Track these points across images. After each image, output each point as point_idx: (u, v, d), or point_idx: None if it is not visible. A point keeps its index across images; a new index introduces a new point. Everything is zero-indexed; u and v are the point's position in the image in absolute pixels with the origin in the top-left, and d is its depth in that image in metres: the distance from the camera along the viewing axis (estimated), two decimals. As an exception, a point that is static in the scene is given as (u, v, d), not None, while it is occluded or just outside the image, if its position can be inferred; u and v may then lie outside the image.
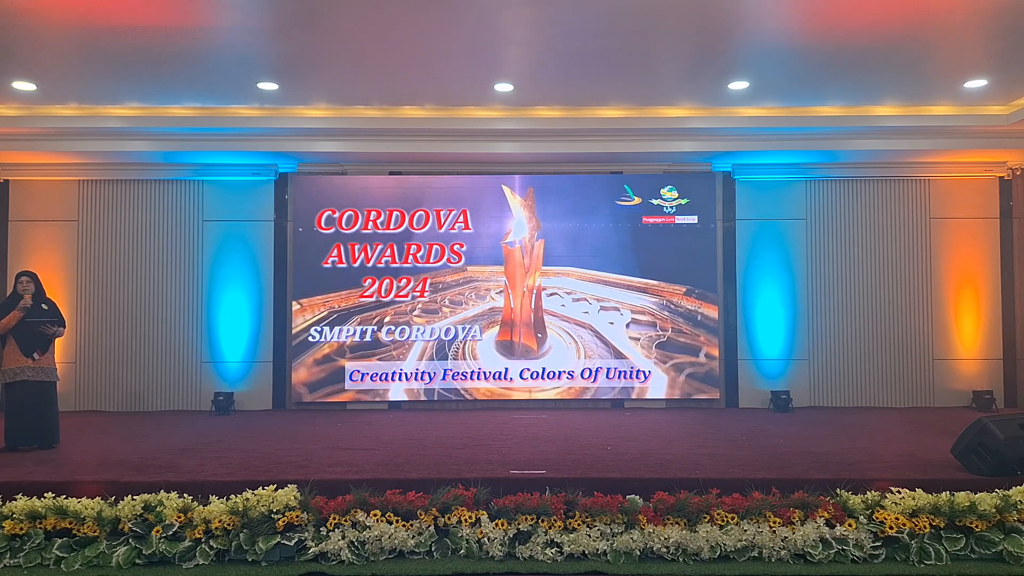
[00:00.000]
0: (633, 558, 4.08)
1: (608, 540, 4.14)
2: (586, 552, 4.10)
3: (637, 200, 8.75)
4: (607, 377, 8.68)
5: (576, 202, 8.78)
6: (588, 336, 8.72)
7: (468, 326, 8.71)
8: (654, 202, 8.78)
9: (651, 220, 8.78)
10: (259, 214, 8.85)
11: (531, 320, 8.72)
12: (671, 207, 8.76)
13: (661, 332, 8.69)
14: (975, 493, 4.32)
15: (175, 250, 8.82)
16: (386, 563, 4.07)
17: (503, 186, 8.78)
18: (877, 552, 4.11)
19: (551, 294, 8.73)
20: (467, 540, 4.16)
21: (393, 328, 8.70)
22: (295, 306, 8.69)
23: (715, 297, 8.77)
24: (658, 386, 8.68)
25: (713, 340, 8.74)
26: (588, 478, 4.73)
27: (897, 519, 4.16)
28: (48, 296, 6.45)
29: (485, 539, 4.15)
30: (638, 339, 8.70)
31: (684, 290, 8.74)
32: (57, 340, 6.38)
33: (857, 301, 8.88)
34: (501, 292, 8.72)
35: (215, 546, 4.09)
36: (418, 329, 8.70)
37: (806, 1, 5.49)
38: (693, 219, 8.78)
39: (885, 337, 8.84)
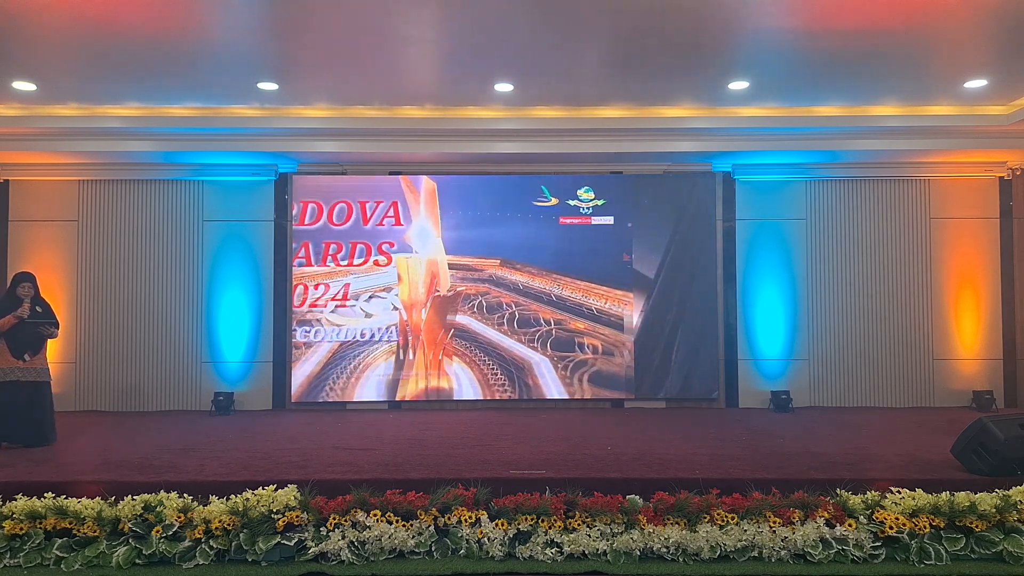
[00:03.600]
0: (633, 558, 4.08)
1: (608, 540, 4.13)
2: (586, 552, 4.10)
3: (554, 201, 8.76)
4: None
5: (492, 203, 8.80)
6: (494, 353, 8.71)
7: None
8: (571, 203, 8.79)
9: (568, 221, 8.79)
10: (259, 214, 8.85)
11: (436, 341, 8.69)
12: (587, 208, 8.77)
13: (576, 334, 8.73)
14: (975, 493, 4.32)
15: (175, 250, 8.82)
16: (386, 563, 4.06)
17: (405, 187, 8.75)
18: (877, 552, 4.11)
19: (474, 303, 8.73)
20: (467, 540, 4.16)
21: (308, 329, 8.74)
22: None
23: (629, 298, 8.75)
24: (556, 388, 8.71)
25: (627, 340, 8.74)
26: (588, 478, 4.73)
27: (897, 519, 4.16)
28: (42, 296, 6.48)
29: (485, 539, 4.14)
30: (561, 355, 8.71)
31: (602, 290, 8.76)
32: (49, 340, 6.42)
33: (857, 301, 8.88)
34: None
35: (215, 546, 4.09)
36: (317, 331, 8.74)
37: (806, 1, 5.49)
38: (609, 220, 8.79)
39: (885, 337, 8.84)
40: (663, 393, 8.71)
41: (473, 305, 8.75)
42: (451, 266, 8.78)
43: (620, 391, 8.72)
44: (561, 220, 8.81)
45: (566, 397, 8.68)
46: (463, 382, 8.71)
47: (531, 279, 8.75)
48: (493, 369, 8.71)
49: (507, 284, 8.76)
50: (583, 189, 8.78)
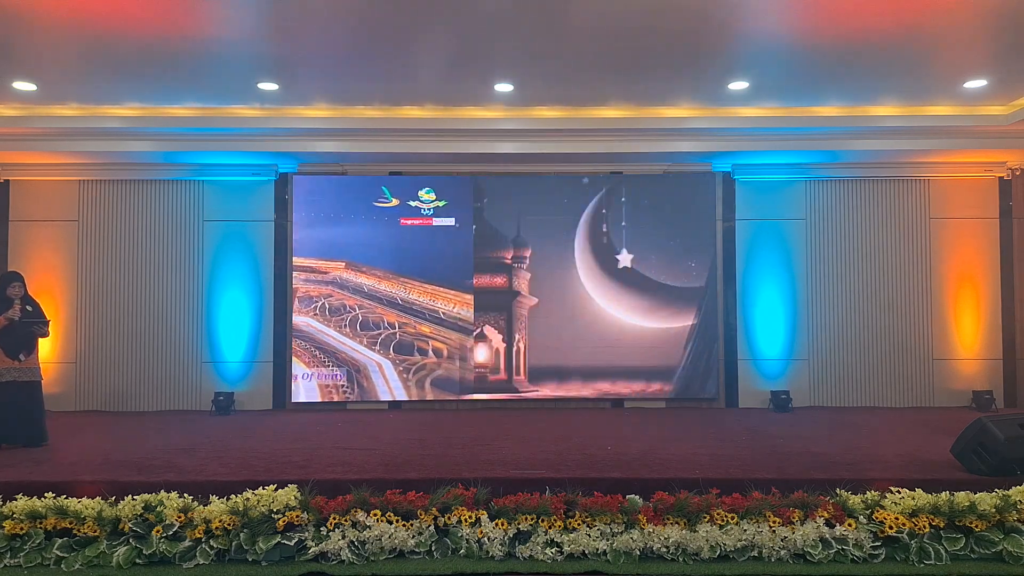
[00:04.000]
0: (633, 558, 4.08)
1: (608, 540, 4.13)
2: (586, 552, 4.10)
3: (395, 202, 8.77)
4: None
5: (333, 203, 8.81)
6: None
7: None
8: (411, 204, 8.79)
9: (409, 222, 8.79)
10: (259, 214, 8.85)
11: None
12: (428, 209, 8.77)
13: (418, 336, 8.74)
14: (975, 493, 4.32)
15: (175, 250, 8.82)
16: (386, 563, 4.06)
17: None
18: (877, 552, 4.11)
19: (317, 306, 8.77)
20: (467, 540, 4.16)
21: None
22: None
23: (470, 299, 8.75)
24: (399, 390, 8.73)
25: (470, 343, 8.76)
26: (588, 478, 4.72)
27: (897, 519, 4.16)
28: (31, 295, 6.48)
29: (485, 539, 4.14)
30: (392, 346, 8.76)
31: (451, 294, 8.76)
32: (41, 339, 6.44)
33: (857, 301, 8.88)
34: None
35: (215, 546, 4.09)
36: None
37: (806, 1, 5.49)
38: (451, 221, 8.80)
39: (885, 337, 8.84)
40: (706, 393, 8.76)
41: (316, 307, 8.74)
42: (296, 268, 8.78)
43: (457, 393, 8.71)
44: (402, 221, 8.80)
45: (406, 399, 8.69)
46: (300, 382, 8.71)
47: (377, 282, 8.76)
48: (332, 370, 8.72)
49: (352, 287, 8.76)
50: (424, 190, 8.77)
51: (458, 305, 8.76)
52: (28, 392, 6.20)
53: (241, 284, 8.81)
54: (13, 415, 6.10)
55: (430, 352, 8.74)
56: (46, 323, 6.38)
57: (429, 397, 8.71)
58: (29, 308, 6.29)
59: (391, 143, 8.23)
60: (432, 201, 8.77)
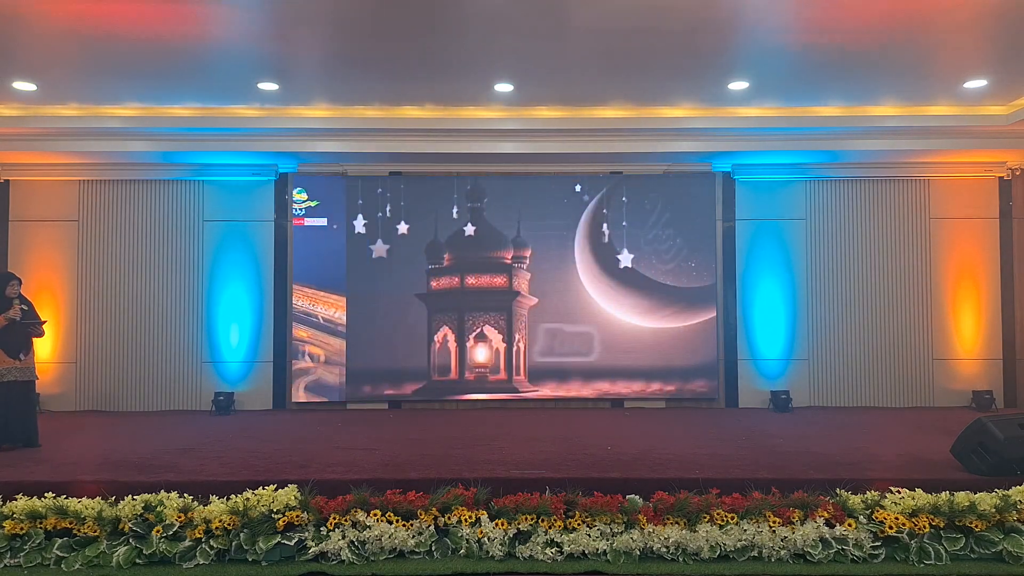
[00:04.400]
0: (633, 558, 4.08)
1: (608, 540, 4.13)
2: (586, 552, 4.10)
3: None
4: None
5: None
6: None
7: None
8: None
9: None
10: (259, 214, 8.85)
11: None
12: (300, 209, 8.75)
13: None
14: (975, 493, 4.32)
15: (175, 250, 8.82)
16: (386, 563, 4.06)
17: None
18: (877, 552, 4.11)
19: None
20: (467, 540, 4.16)
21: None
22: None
23: (342, 302, 8.70)
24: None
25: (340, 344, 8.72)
26: (588, 478, 4.73)
27: (897, 519, 4.16)
28: (24, 295, 6.47)
29: (485, 539, 4.14)
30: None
31: (333, 298, 8.72)
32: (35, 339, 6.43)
33: (857, 301, 8.88)
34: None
35: (215, 546, 4.09)
36: None
37: (806, 1, 5.49)
38: (323, 221, 8.76)
39: (885, 337, 8.84)
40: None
41: None
42: None
43: (335, 398, 8.67)
44: None
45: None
46: None
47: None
48: None
49: None
50: (296, 190, 8.75)
51: (338, 309, 8.70)
52: (26, 392, 6.20)
53: (241, 284, 8.81)
54: (14, 415, 6.08)
55: (306, 356, 8.71)
56: (42, 323, 6.39)
57: (302, 400, 8.67)
58: (25, 308, 6.29)
59: (391, 143, 8.23)
60: (304, 201, 8.73)
